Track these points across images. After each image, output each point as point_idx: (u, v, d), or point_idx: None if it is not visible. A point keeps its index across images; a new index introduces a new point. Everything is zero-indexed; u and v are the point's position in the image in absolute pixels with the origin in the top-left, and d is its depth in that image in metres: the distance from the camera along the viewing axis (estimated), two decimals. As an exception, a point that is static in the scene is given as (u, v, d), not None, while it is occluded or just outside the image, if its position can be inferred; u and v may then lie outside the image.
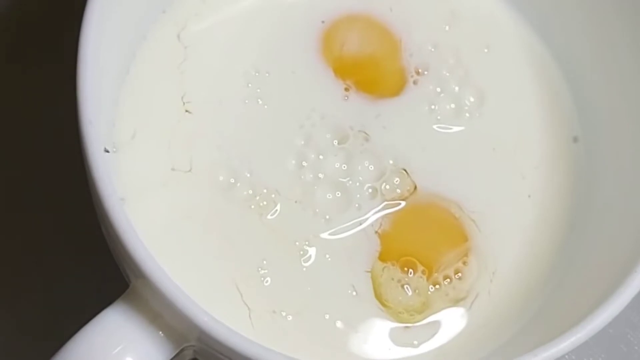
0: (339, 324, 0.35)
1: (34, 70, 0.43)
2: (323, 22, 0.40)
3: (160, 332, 0.30)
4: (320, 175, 0.37)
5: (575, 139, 0.40)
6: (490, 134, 0.39)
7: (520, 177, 0.39)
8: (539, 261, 0.38)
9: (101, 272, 0.37)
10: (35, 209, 0.41)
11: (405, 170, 0.38)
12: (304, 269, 0.36)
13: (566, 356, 0.31)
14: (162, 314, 0.30)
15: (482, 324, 0.36)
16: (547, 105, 0.40)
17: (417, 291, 0.36)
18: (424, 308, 0.36)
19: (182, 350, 0.31)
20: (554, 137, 0.40)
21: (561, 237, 0.38)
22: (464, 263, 0.37)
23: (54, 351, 0.30)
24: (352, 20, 0.40)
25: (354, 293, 0.36)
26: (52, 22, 0.44)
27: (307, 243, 0.36)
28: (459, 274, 0.37)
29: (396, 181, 0.38)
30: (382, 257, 0.36)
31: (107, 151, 0.34)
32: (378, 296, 0.36)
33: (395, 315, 0.36)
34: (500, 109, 0.40)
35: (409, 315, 0.36)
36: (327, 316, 0.35)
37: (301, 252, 0.36)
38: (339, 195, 0.37)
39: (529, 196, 0.39)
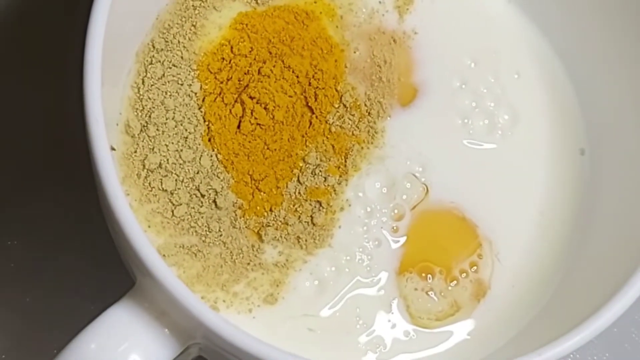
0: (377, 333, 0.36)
1: (39, 70, 0.43)
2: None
3: (166, 330, 0.30)
4: (368, 208, 0.37)
5: (582, 151, 0.40)
6: (516, 152, 0.40)
7: (529, 187, 0.39)
8: (544, 261, 0.38)
9: (106, 269, 0.37)
10: (39, 208, 0.41)
11: (425, 185, 0.38)
12: (379, 292, 0.36)
13: (570, 355, 0.31)
14: (168, 312, 0.30)
15: (487, 324, 0.37)
16: (558, 119, 0.41)
17: (442, 294, 0.37)
18: (454, 310, 0.37)
19: (187, 348, 0.31)
20: (563, 149, 0.40)
21: (567, 237, 0.39)
22: (479, 256, 0.37)
23: (60, 348, 0.30)
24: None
25: (395, 301, 0.36)
26: (56, 21, 0.44)
27: (374, 273, 0.37)
28: (475, 267, 0.37)
29: (411, 189, 0.38)
30: (401, 269, 0.37)
31: (114, 149, 0.34)
32: (406, 307, 0.36)
33: (415, 320, 0.36)
34: (529, 128, 0.40)
35: (427, 320, 0.36)
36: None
37: (372, 276, 0.36)
38: (386, 211, 0.37)
39: (537, 202, 0.39)
